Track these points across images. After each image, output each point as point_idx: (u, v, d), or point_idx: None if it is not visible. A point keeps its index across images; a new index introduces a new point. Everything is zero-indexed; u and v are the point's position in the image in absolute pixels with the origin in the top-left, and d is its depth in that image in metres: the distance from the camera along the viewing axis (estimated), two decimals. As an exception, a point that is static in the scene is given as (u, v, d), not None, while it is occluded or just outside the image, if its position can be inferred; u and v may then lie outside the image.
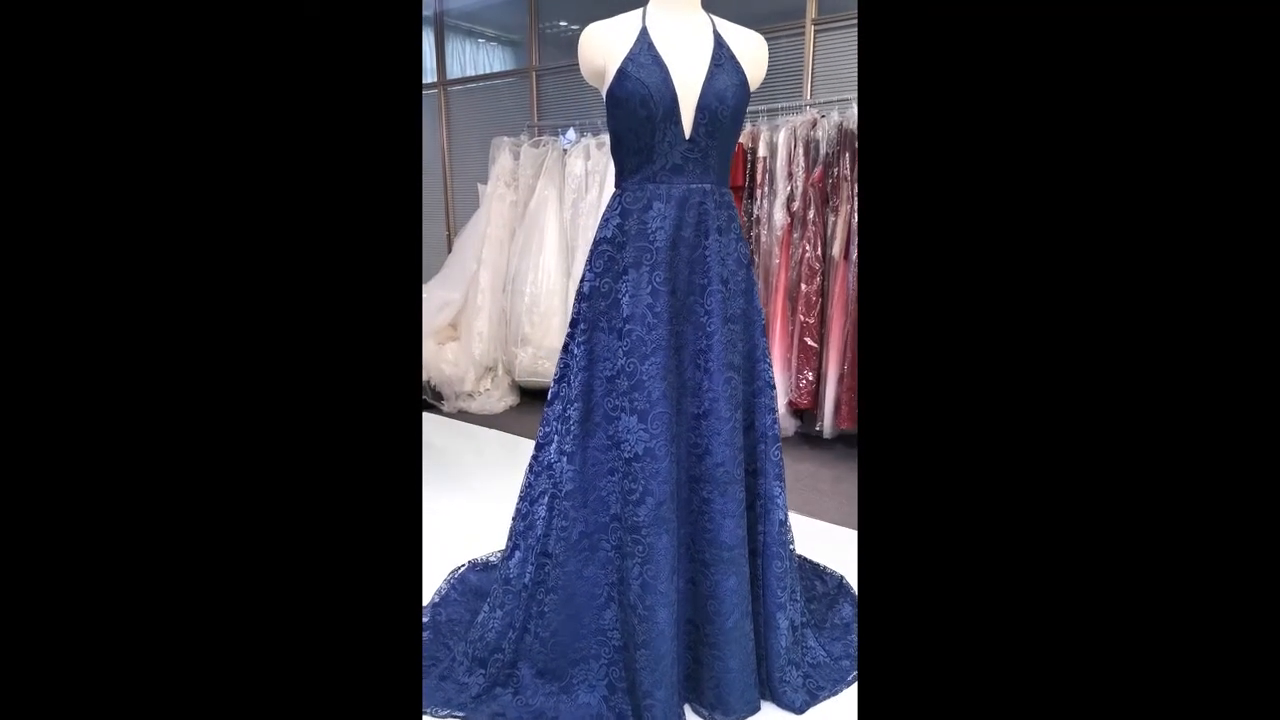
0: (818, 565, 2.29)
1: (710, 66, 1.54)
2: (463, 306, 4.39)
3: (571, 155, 4.19)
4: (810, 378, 3.42)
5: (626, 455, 1.57)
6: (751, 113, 3.43)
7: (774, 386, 1.73)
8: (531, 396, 4.39)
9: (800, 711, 1.69)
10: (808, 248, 3.36)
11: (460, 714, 1.64)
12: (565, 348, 1.69)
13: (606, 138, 4.03)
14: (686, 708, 1.69)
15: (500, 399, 4.29)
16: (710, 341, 1.60)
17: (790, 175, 3.40)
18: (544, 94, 4.77)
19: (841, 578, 2.23)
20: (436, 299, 4.36)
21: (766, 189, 3.48)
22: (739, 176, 3.52)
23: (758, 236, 3.49)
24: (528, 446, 3.44)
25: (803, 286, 3.39)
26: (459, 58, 5.33)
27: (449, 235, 5.40)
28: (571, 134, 4.28)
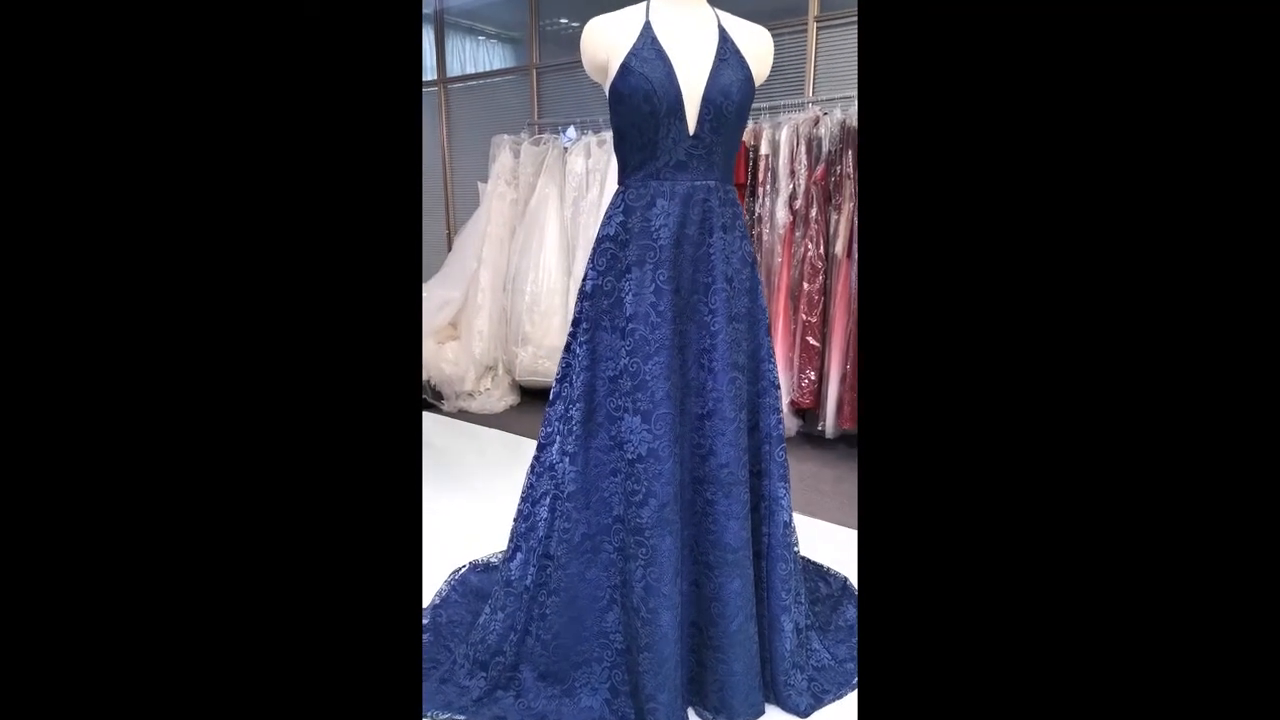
0: (821, 566, 2.27)
1: (715, 61, 1.52)
2: (463, 305, 4.37)
3: (572, 153, 4.17)
4: (812, 377, 3.40)
5: (629, 456, 1.56)
6: (754, 110, 3.41)
7: (779, 386, 1.71)
8: (532, 396, 4.37)
9: (805, 715, 1.67)
10: (810, 246, 3.34)
11: (461, 717, 1.63)
12: (567, 347, 1.67)
13: (607, 135, 4.03)
14: (690, 711, 1.67)
15: (501, 398, 4.28)
16: (714, 341, 1.58)
17: (792, 173, 3.38)
18: (544, 92, 4.76)
19: (845, 579, 2.21)
20: (436, 298, 4.35)
21: (768, 187, 3.46)
22: (741, 174, 3.50)
23: (760, 235, 3.47)
24: (528, 446, 3.44)
25: (805, 285, 3.37)
26: (459, 55, 5.31)
27: (449, 234, 5.38)
28: (572, 132, 4.26)
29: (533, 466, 1.72)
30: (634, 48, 1.50)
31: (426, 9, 5.21)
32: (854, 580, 2.20)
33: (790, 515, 1.71)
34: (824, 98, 3.49)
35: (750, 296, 1.65)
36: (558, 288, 4.11)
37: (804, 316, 3.38)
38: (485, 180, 4.50)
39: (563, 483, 1.64)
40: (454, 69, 5.30)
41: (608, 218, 1.61)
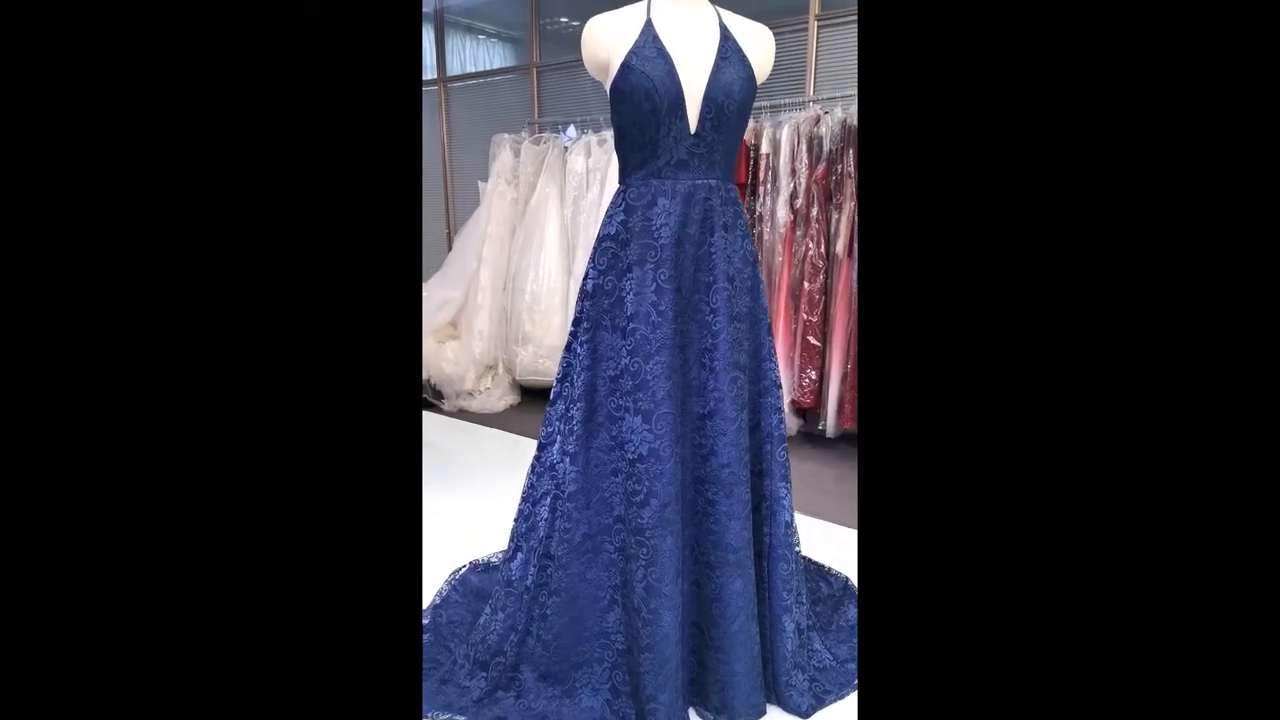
0: (822, 566, 2.26)
1: (716, 59, 1.52)
2: (463, 305, 4.37)
3: (572, 152, 4.16)
4: (813, 376, 3.40)
5: (630, 456, 1.55)
6: (754, 109, 3.40)
7: (780, 386, 1.71)
8: (532, 395, 4.37)
9: (807, 716, 1.67)
10: (811, 245, 3.34)
11: (461, 718, 1.62)
12: (568, 347, 1.66)
13: (608, 134, 4.03)
14: (691, 712, 1.66)
15: (501, 398, 4.27)
16: (716, 340, 1.57)
17: (793, 172, 3.37)
18: (545, 90, 4.75)
19: (847, 579, 2.20)
20: (436, 297, 4.34)
21: (769, 186, 3.45)
22: (742, 173, 3.50)
23: (760, 234, 3.47)
24: (528, 445, 3.44)
25: (806, 284, 3.36)
26: (459, 54, 5.30)
27: (449, 233, 5.38)
28: (572, 131, 4.25)
29: (533, 466, 1.71)
30: (635, 45, 1.49)
31: (426, 8, 5.21)
32: (855, 580, 2.19)
33: (792, 515, 1.70)
34: (825, 96, 3.49)
35: (752, 295, 1.65)
36: (558, 287, 4.11)
37: (805, 316, 3.37)
38: (485, 179, 4.50)
39: (563, 482, 1.63)
40: (454, 68, 5.30)
41: (609, 217, 1.60)
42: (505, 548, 1.81)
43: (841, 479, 3.15)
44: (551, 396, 1.69)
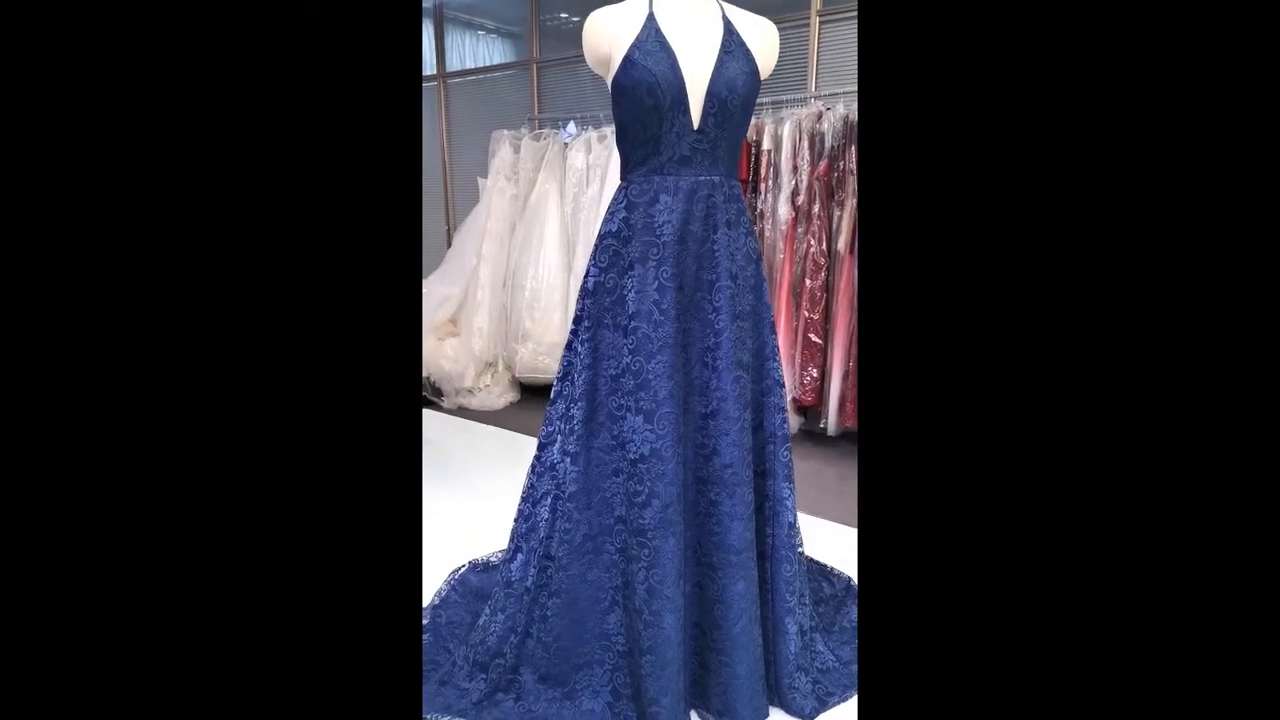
0: (824, 566, 2.25)
1: (720, 54, 1.49)
2: (462, 302, 4.35)
3: (572, 149, 4.14)
4: (814, 374, 3.38)
5: (632, 456, 1.53)
6: (756, 105, 3.39)
7: (783, 385, 1.69)
8: (532, 393, 4.35)
9: (810, 718, 1.65)
10: (812, 242, 3.32)
11: (461, 720, 1.60)
12: (569, 345, 1.64)
13: (608, 130, 4.01)
14: (693, 714, 1.65)
15: (500, 395, 4.26)
16: (719, 339, 1.55)
17: (795, 169, 3.35)
18: (545, 87, 4.73)
19: (849, 579, 2.19)
20: (436, 294, 4.32)
21: (771, 183, 3.43)
22: (743, 170, 3.47)
23: (762, 231, 3.45)
24: (528, 444, 3.42)
25: (807, 282, 3.34)
26: (458, 50, 5.28)
27: (448, 230, 5.36)
28: (572, 127, 4.23)
29: (533, 466, 1.69)
30: (637, 39, 1.47)
31: (426, 3, 5.18)
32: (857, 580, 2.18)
33: (795, 516, 1.69)
34: (827, 92, 3.47)
35: (755, 294, 1.63)
36: (558, 284, 4.09)
37: (806, 313, 3.35)
38: (485, 176, 4.48)
39: (564, 483, 1.61)
40: (454, 64, 5.27)
41: (610, 214, 1.58)
42: (505, 547, 1.80)
43: (843, 477, 3.14)
44: (552, 395, 1.67)
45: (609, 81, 1.55)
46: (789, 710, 1.67)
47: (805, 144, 3.32)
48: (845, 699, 1.71)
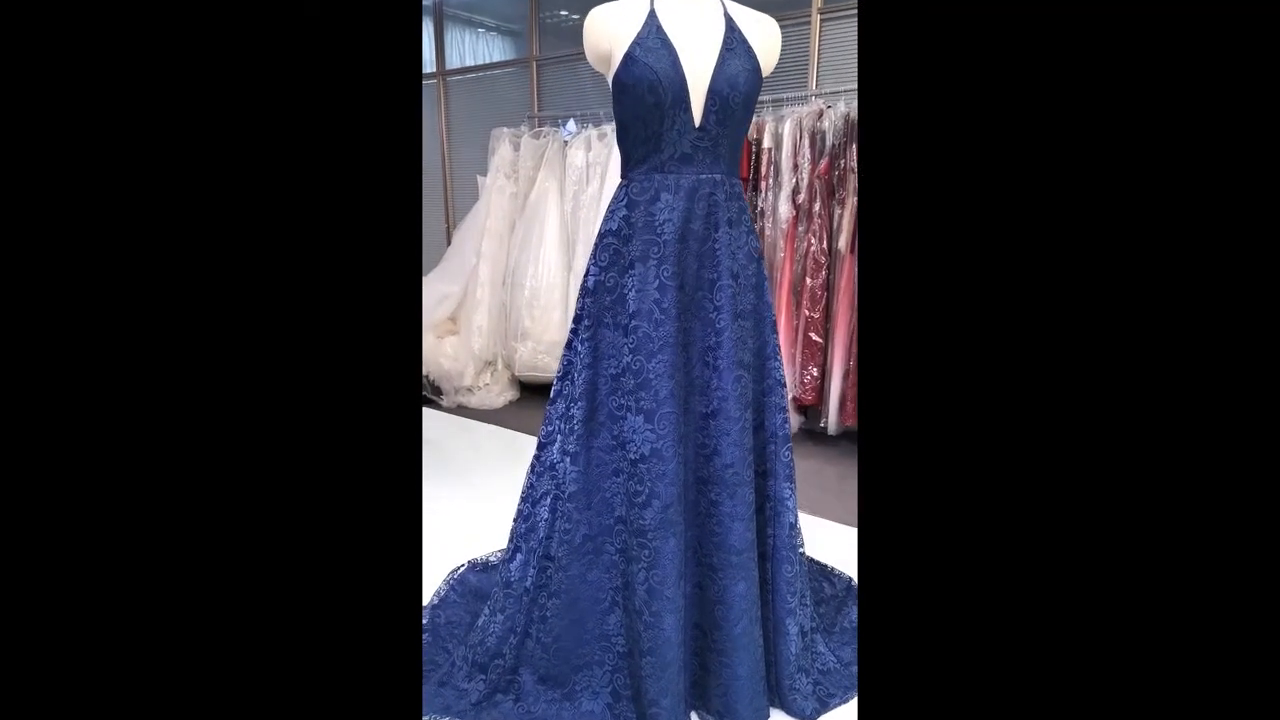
0: (825, 566, 2.24)
1: (721, 50, 1.48)
2: (462, 300, 4.34)
3: (572, 147, 4.13)
4: (815, 373, 3.37)
5: (632, 456, 1.52)
6: (756, 103, 3.38)
7: (785, 385, 1.68)
8: (531, 391, 4.34)
9: (811, 719, 1.64)
10: (813, 241, 3.31)
11: (459, 722, 1.59)
12: (569, 344, 1.63)
13: (608, 128, 4.00)
14: (693, 715, 1.64)
15: (500, 394, 4.24)
16: (720, 338, 1.54)
17: (796, 167, 3.34)
18: (544, 84, 4.72)
19: (850, 579, 2.18)
20: (435, 292, 4.31)
21: (771, 181, 3.42)
22: (744, 168, 3.46)
23: (762, 230, 3.43)
24: (527, 442, 3.42)
25: (808, 280, 3.33)
26: (458, 48, 5.27)
27: (448, 228, 5.35)
28: (572, 125, 4.22)
29: (533, 466, 1.68)
30: (638, 37, 1.46)
31: (426, 1, 5.17)
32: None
33: (796, 516, 1.68)
34: (828, 90, 3.46)
35: (756, 293, 1.61)
36: (557, 282, 4.08)
37: (806, 312, 3.34)
38: (484, 174, 4.46)
39: (564, 483, 1.60)
40: (453, 61, 5.26)
41: (610, 212, 1.57)
42: (504, 547, 1.79)
43: (843, 477, 3.13)
44: (551, 395, 1.66)
45: (610, 79, 1.53)
46: (790, 711, 1.66)
47: (806, 142, 3.31)
48: (846, 700, 1.70)
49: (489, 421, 3.92)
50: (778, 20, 1.65)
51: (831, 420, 3.36)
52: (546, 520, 1.62)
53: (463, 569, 2.19)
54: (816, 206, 3.30)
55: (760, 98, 3.38)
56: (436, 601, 2.03)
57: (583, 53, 1.60)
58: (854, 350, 3.25)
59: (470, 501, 2.84)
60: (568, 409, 1.61)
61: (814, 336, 3.35)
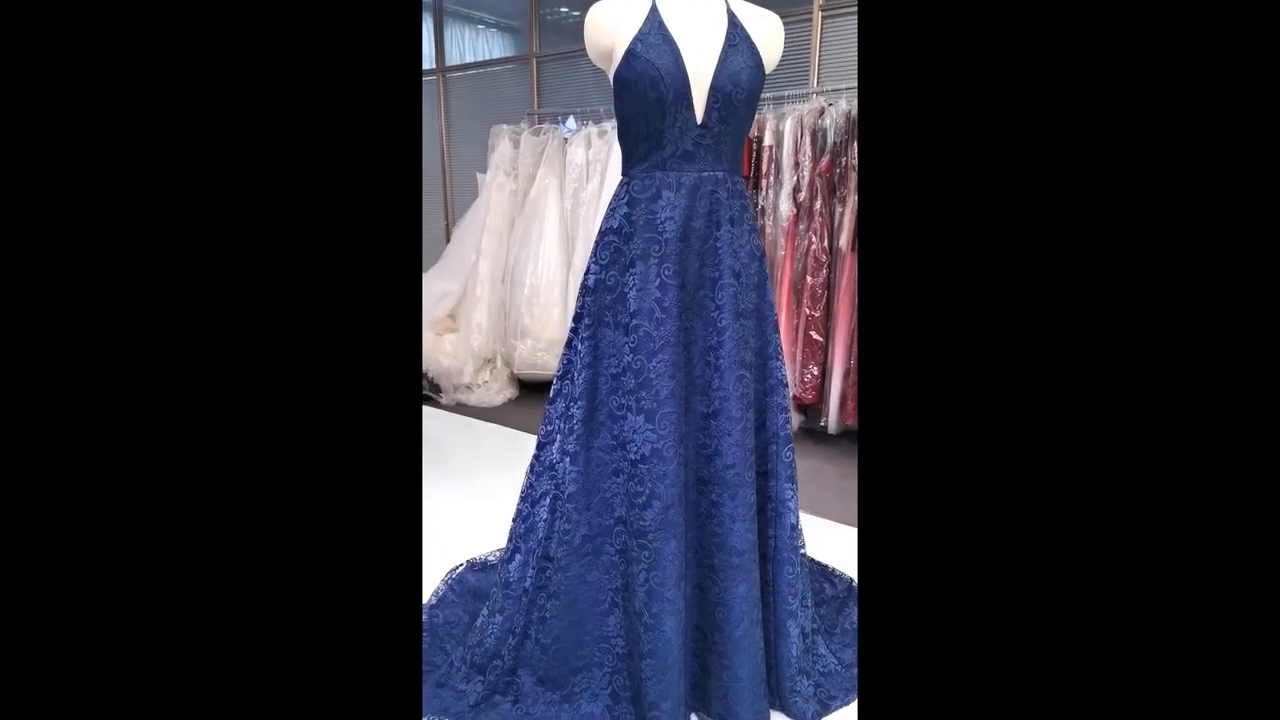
0: (826, 567, 2.22)
1: (724, 47, 1.46)
2: (461, 297, 4.33)
3: (572, 144, 4.11)
4: (815, 372, 3.36)
5: (632, 456, 1.51)
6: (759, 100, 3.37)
7: (787, 385, 1.66)
8: (531, 389, 4.33)
9: (811, 722, 1.63)
10: (814, 239, 3.29)
11: (458, 724, 1.58)
12: (569, 343, 1.61)
13: (608, 125, 3.98)
14: (693, 717, 1.63)
15: (499, 391, 4.23)
16: (721, 338, 1.52)
17: (797, 165, 3.33)
18: (544, 81, 4.70)
19: (851, 580, 2.16)
20: (435, 290, 4.30)
21: (772, 179, 3.41)
22: (744, 166, 3.45)
23: (763, 228, 3.42)
24: (527, 441, 3.40)
25: (808, 279, 3.32)
26: (458, 44, 5.25)
27: (447, 225, 5.33)
28: (572, 122, 4.21)
29: (532, 466, 1.67)
30: (640, 33, 1.44)
31: (425, -3, 5.15)
32: (859, 581, 2.16)
33: (797, 517, 1.66)
34: (829, 88, 3.44)
35: (758, 292, 1.60)
36: (557, 280, 4.06)
37: (807, 311, 3.33)
38: (484, 171, 4.45)
39: (563, 483, 1.59)
40: (453, 58, 5.24)
41: (611, 210, 1.56)
42: (503, 547, 1.77)
43: (843, 476, 3.12)
44: (551, 394, 1.65)
45: (611, 75, 1.52)
46: (791, 714, 1.65)
47: (807, 140, 3.30)
48: (847, 702, 1.69)
49: (488, 420, 3.91)
50: (779, 16, 1.63)
51: (832, 419, 3.35)
52: (546, 520, 1.61)
53: (461, 568, 2.18)
54: (817, 204, 3.28)
55: (761, 95, 3.38)
56: (435, 601, 2.02)
57: (583, 49, 1.58)
58: (855, 349, 3.24)
59: (469, 500, 2.82)
60: (567, 408, 1.60)
61: (814, 335, 3.33)
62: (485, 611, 1.73)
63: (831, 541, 2.46)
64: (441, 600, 2.03)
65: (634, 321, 1.50)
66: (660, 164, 1.49)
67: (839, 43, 3.51)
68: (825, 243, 3.29)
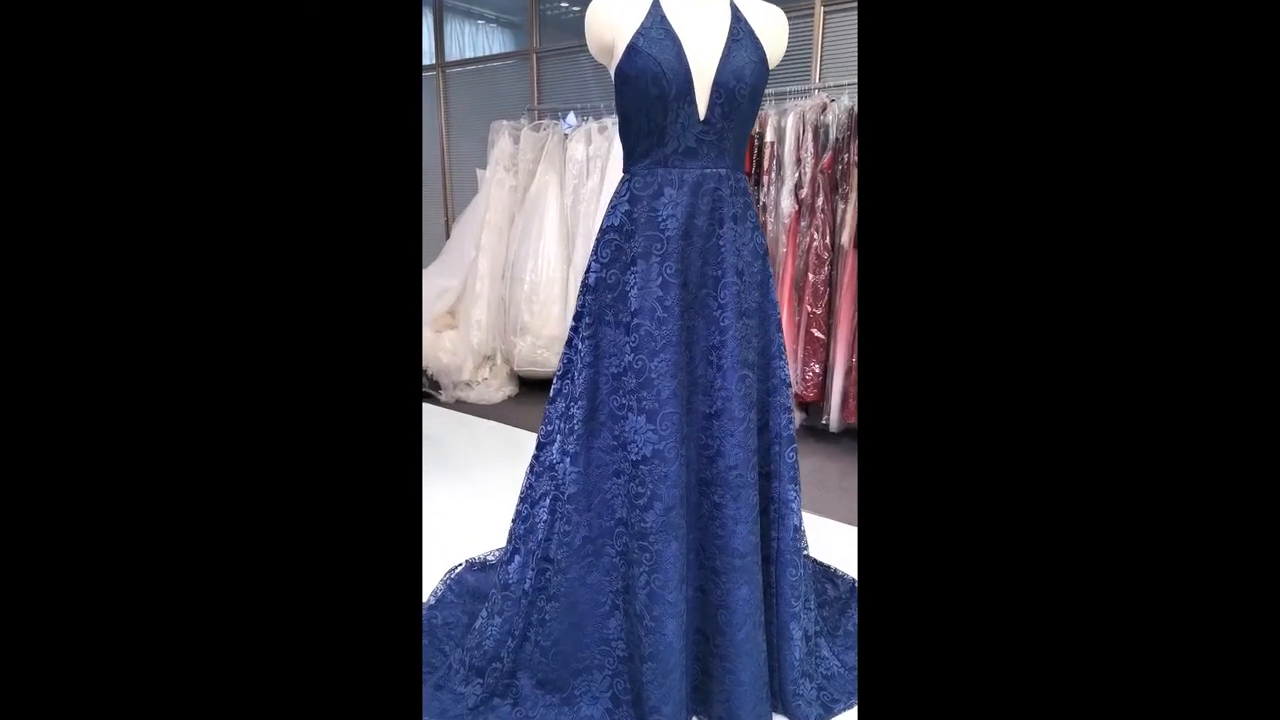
0: (828, 567, 2.21)
1: (727, 41, 1.44)
2: (461, 294, 4.31)
3: (572, 140, 4.09)
4: (816, 370, 3.34)
5: (633, 457, 1.49)
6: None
7: (790, 385, 1.64)
8: (530, 386, 4.31)
9: (814, 726, 1.62)
10: (816, 236, 3.27)
11: (456, 727, 1.56)
12: (569, 342, 1.59)
13: (608, 121, 3.96)
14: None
15: (499, 389, 4.21)
16: (724, 337, 1.50)
17: (799, 161, 3.30)
18: (544, 77, 4.68)
19: (854, 581, 2.15)
20: (434, 286, 4.28)
21: (774, 175, 3.39)
22: (746, 162, 3.43)
23: (764, 225, 3.40)
24: (526, 439, 3.39)
25: (810, 276, 3.30)
26: (458, 39, 5.23)
27: (447, 221, 5.31)
28: (572, 118, 4.19)
29: (532, 466, 1.65)
30: (641, 27, 1.42)
31: (425, -8, 5.13)
32: (862, 582, 2.14)
33: (800, 519, 1.64)
34: (831, 84, 3.42)
35: (761, 291, 1.58)
36: (557, 277, 4.05)
37: (809, 308, 3.31)
38: (484, 167, 4.43)
39: (563, 484, 1.57)
40: (453, 53, 5.22)
41: (612, 207, 1.54)
42: (502, 547, 1.75)
43: (845, 475, 3.10)
44: (551, 394, 1.63)
45: (612, 70, 1.49)
46: (793, 718, 1.63)
47: (809, 136, 3.27)
48: (850, 705, 1.67)
49: (488, 417, 3.89)
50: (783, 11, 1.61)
51: (833, 417, 3.33)
52: (545, 522, 1.59)
53: (460, 569, 2.16)
54: (819, 201, 3.26)
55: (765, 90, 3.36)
56: (434, 602, 2.00)
57: (583, 45, 1.56)
58: (857, 347, 3.22)
59: (469, 498, 2.80)
60: (568, 408, 1.58)
61: (816, 333, 3.31)
62: (484, 613, 1.72)
63: (833, 541, 2.44)
64: (440, 601, 2.01)
65: (635, 320, 1.48)
66: (662, 161, 1.47)
67: (841, 38, 3.49)
68: (827, 239, 3.27)
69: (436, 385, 4.19)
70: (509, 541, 1.68)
